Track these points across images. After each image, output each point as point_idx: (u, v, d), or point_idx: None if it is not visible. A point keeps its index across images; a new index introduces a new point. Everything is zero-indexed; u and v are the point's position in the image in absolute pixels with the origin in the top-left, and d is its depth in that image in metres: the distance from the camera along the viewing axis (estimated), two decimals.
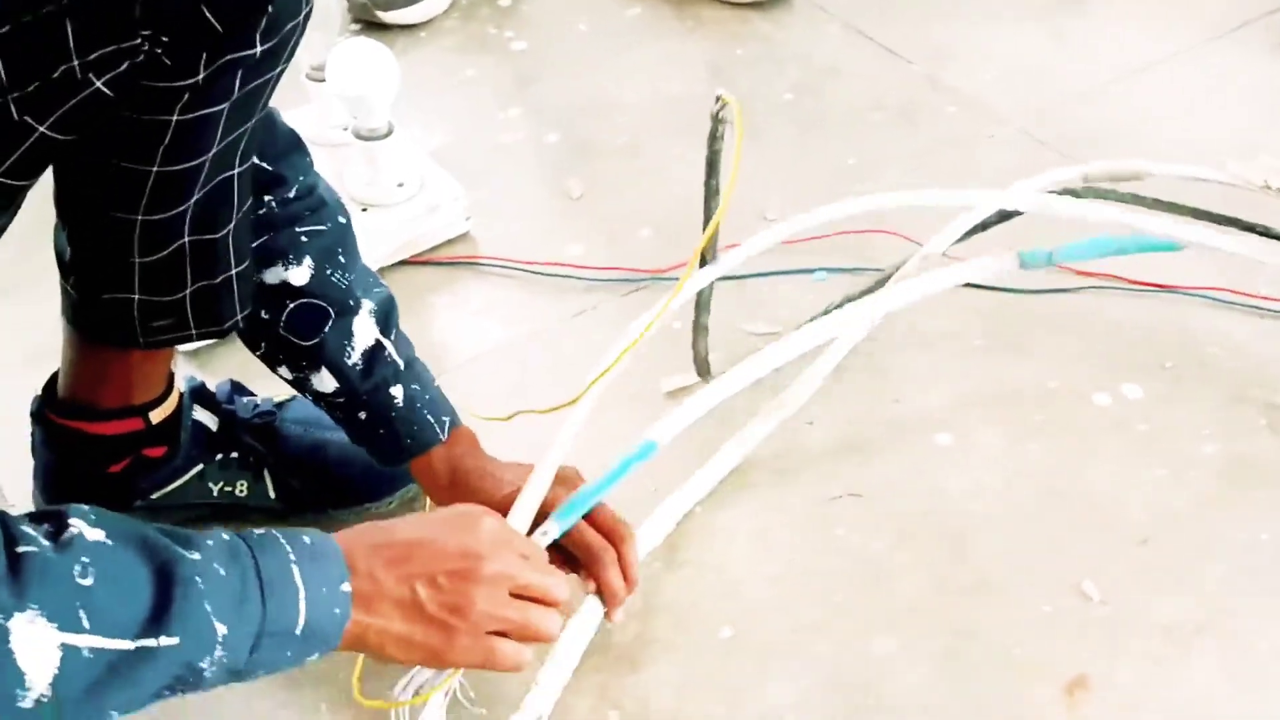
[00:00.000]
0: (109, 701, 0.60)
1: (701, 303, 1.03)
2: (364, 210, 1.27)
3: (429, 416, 0.92)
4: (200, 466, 1.00)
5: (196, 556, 0.63)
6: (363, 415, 0.92)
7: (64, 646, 0.57)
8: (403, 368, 0.92)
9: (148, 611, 0.60)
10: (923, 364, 1.12)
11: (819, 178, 1.41)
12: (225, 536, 0.66)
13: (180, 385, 1.01)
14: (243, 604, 0.63)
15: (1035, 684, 0.92)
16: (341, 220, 0.93)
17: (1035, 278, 1.19)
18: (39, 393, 0.98)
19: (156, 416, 0.98)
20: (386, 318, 0.93)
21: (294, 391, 1.08)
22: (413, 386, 0.92)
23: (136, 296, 0.86)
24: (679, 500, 1.02)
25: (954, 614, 0.96)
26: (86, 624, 0.58)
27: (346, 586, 0.68)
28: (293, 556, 0.67)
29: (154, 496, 1.00)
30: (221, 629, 0.62)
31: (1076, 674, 0.92)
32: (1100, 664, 0.93)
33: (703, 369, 1.12)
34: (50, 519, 0.60)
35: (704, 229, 0.97)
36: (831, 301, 1.17)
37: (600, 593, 0.89)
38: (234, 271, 0.90)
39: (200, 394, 1.01)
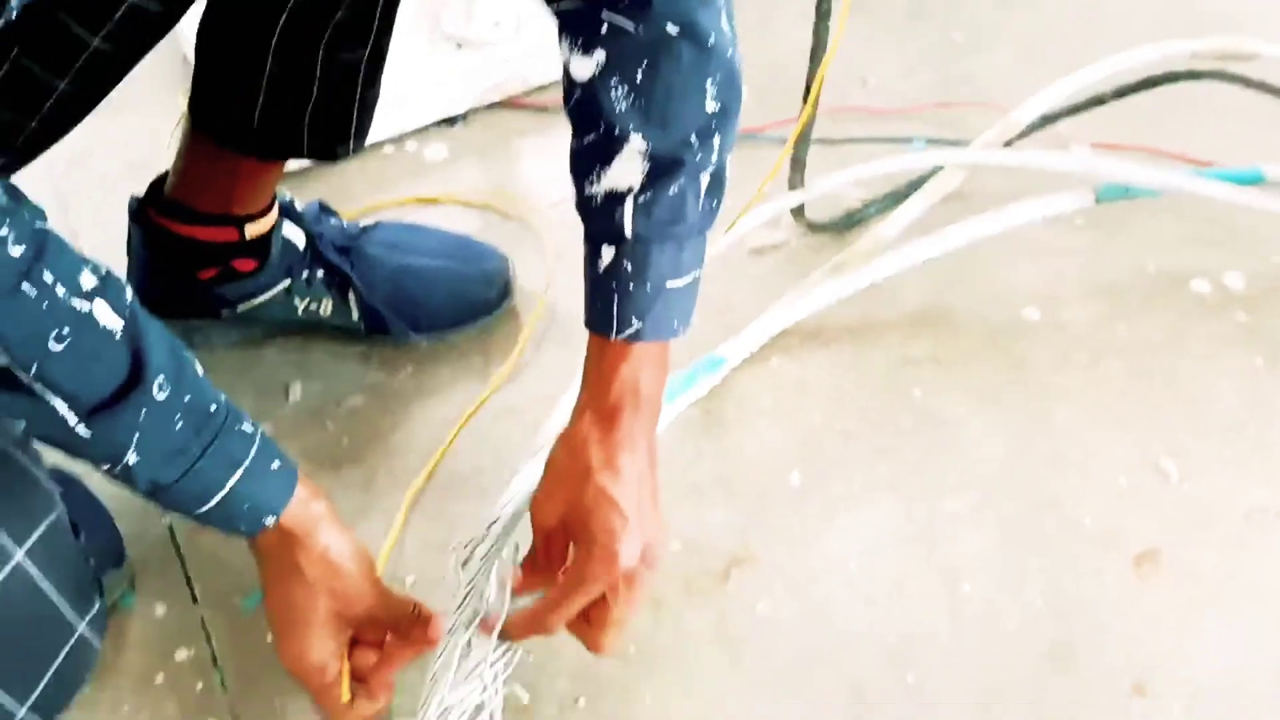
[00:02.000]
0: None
1: (804, 136, 1.04)
2: (459, 47, 1.26)
3: (616, 306, 0.72)
4: (287, 282, 1.01)
5: (163, 396, 0.65)
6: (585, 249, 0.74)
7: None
8: (630, 237, 0.71)
9: (97, 400, 0.64)
10: (1017, 238, 1.09)
11: (923, 50, 1.37)
12: (222, 410, 0.69)
13: None
14: (167, 461, 0.67)
15: (1105, 555, 0.91)
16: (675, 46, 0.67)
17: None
18: (139, 194, 0.99)
19: (252, 231, 0.98)
20: (664, 173, 0.69)
21: (379, 217, 1.09)
22: (625, 263, 0.71)
23: (261, 100, 0.88)
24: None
25: (1026, 481, 0.95)
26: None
27: (271, 520, 0.71)
28: (248, 465, 0.69)
29: (240, 309, 1.02)
30: (133, 457, 0.65)
31: (1147, 548, 0.91)
32: (1173, 541, 0.91)
33: (796, 185, 1.10)
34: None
35: (811, 56, 0.96)
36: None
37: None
38: (359, 96, 0.91)
39: (289, 211, 1.02)
